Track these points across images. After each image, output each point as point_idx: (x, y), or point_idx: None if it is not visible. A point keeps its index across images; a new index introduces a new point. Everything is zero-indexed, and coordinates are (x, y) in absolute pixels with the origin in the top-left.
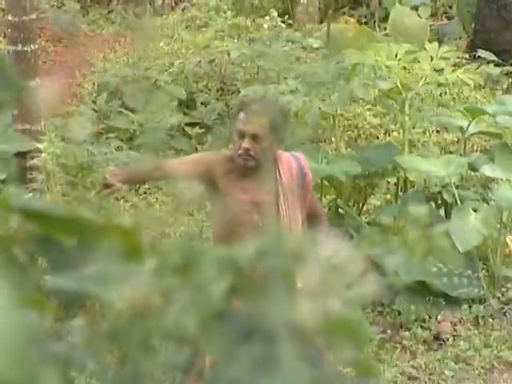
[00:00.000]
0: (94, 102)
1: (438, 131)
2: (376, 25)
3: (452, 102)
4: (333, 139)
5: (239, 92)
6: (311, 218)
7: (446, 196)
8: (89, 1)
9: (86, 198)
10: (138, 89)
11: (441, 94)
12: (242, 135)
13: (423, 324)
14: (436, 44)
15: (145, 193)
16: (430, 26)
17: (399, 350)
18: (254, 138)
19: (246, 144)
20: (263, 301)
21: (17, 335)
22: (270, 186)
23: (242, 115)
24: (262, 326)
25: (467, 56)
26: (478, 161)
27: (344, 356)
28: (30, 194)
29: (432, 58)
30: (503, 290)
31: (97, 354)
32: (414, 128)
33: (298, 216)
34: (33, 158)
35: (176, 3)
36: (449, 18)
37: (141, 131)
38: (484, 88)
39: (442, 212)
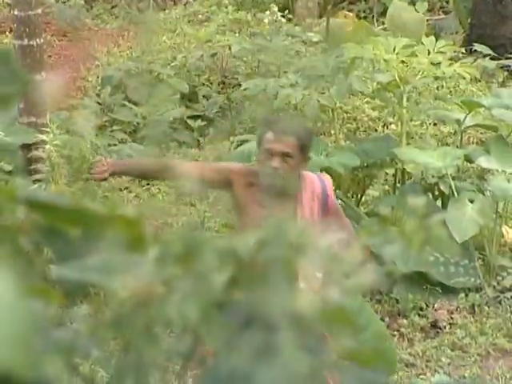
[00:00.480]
0: (98, 95)
1: (435, 124)
2: (374, 19)
3: (449, 95)
4: (332, 132)
5: (240, 85)
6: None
7: (442, 187)
8: None
9: (89, 189)
10: (141, 82)
11: (438, 88)
12: (271, 154)
13: (420, 312)
14: (433, 38)
15: (148, 184)
16: (427, 20)
17: (397, 337)
18: (283, 156)
19: (275, 163)
20: (263, 291)
21: (22, 324)
22: (289, 205)
23: (270, 134)
24: (262, 315)
25: (463, 50)
26: (474, 153)
27: (343, 345)
28: (36, 185)
29: (429, 52)
30: (499, 278)
31: (101, 341)
32: (411, 121)
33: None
34: (38, 150)
35: None
36: (445, 13)
37: (144, 124)
38: (480, 81)
39: (438, 203)
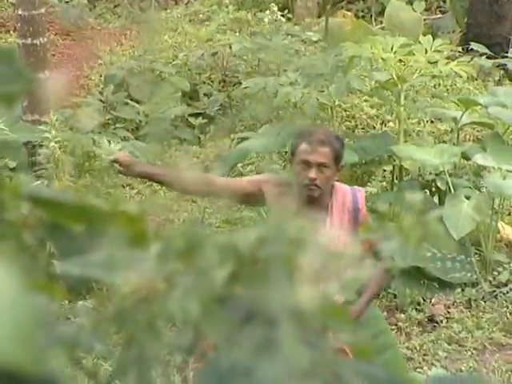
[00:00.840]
0: (101, 93)
1: (432, 121)
2: (372, 19)
3: (446, 94)
4: (331, 129)
5: (240, 84)
6: (373, 255)
7: (439, 184)
8: None
9: (92, 185)
10: (143, 80)
11: (435, 86)
12: (307, 165)
13: (418, 307)
14: (430, 37)
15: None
16: (425, 19)
17: (395, 331)
18: (320, 167)
19: (312, 174)
20: (264, 286)
21: (26, 319)
22: (320, 216)
23: (305, 145)
24: (262, 310)
25: (460, 49)
26: (471, 150)
27: (341, 339)
28: (39, 182)
29: (426, 51)
30: (495, 273)
31: (104, 336)
32: (409, 118)
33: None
34: (42, 147)
35: None
36: (442, 13)
37: (146, 121)
38: (476, 80)
39: (435, 199)
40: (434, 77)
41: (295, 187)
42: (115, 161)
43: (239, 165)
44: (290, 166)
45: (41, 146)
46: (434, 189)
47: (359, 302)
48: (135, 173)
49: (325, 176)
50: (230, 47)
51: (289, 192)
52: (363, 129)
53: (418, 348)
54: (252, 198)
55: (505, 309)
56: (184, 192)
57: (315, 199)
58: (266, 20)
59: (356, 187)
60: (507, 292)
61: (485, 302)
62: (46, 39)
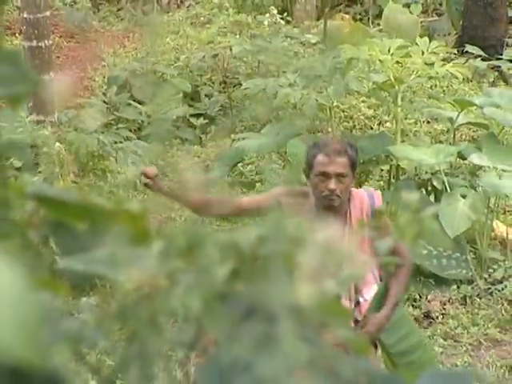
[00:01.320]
0: (104, 94)
1: (428, 122)
2: (370, 21)
3: (442, 94)
4: (329, 130)
5: (241, 85)
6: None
7: (435, 183)
8: None
9: (96, 185)
10: (145, 82)
11: (431, 87)
12: (326, 176)
13: (414, 303)
14: (427, 39)
15: None
16: (421, 22)
17: None
18: (338, 177)
19: (332, 185)
20: (264, 283)
21: (31, 315)
22: (339, 224)
23: (321, 157)
24: (262, 306)
25: (456, 51)
26: (467, 150)
27: (338, 334)
28: (44, 181)
29: (423, 53)
30: (490, 271)
31: (107, 331)
32: (405, 119)
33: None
34: (46, 146)
35: (181, 1)
36: (438, 15)
37: (148, 122)
38: (472, 81)
39: (432, 198)
40: (430, 78)
41: (312, 197)
42: (143, 173)
43: (239, 164)
44: (307, 178)
45: (46, 145)
46: (430, 188)
47: (384, 309)
48: (161, 189)
49: (344, 185)
50: (231, 49)
51: (307, 203)
52: (361, 129)
53: None
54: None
55: (500, 305)
56: (209, 215)
57: (334, 208)
58: (266, 23)
59: (371, 189)
60: (502, 289)
61: (480, 298)
62: (50, 42)
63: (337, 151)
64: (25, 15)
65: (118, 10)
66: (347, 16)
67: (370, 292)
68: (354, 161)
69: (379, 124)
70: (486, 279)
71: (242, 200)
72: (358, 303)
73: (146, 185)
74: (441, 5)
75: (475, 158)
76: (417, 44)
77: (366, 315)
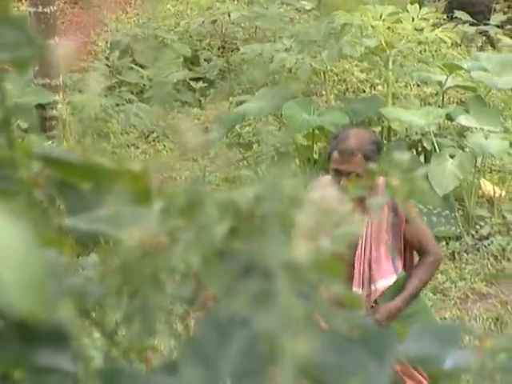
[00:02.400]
0: (107, 58)
1: (418, 85)
2: None
3: (431, 59)
4: (323, 93)
5: (239, 50)
6: (419, 253)
7: (425, 143)
8: None
9: (99, 145)
10: (147, 46)
11: (421, 52)
12: (338, 173)
13: None
14: (417, 6)
15: (153, 140)
16: None
17: None
18: (350, 175)
19: (343, 183)
20: (261, 241)
21: (37, 271)
22: (363, 211)
23: (336, 154)
24: (259, 263)
25: (445, 17)
26: (455, 112)
27: (333, 290)
28: (50, 142)
29: (413, 19)
30: (477, 227)
31: (110, 287)
32: (396, 82)
33: (381, 245)
34: (52, 109)
35: None
36: None
37: (150, 85)
38: (460, 46)
39: (422, 158)
40: (420, 43)
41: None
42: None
43: (237, 126)
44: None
45: (51, 108)
46: (420, 148)
47: (397, 300)
48: None
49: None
50: (229, 15)
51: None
52: (354, 92)
53: None
54: None
55: (486, 260)
56: None
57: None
58: None
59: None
60: (488, 245)
61: (467, 254)
62: (55, 7)
63: (350, 150)
64: None
65: None
66: None
67: (385, 282)
68: (371, 158)
69: (371, 87)
70: (473, 235)
71: None
72: (369, 292)
73: None
74: None
75: (463, 120)
76: (407, 10)
77: (377, 303)
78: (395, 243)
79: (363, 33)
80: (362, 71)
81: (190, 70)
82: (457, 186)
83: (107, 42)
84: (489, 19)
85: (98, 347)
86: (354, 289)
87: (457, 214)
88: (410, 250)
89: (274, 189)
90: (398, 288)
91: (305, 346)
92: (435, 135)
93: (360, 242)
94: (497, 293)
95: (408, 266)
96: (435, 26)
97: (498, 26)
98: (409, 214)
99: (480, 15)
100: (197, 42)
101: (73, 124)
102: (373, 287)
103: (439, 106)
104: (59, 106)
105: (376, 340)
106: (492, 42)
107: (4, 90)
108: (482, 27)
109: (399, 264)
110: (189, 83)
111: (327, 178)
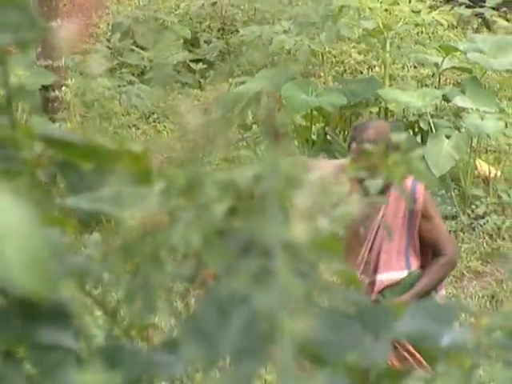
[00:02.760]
0: (108, 40)
1: (415, 66)
2: None
3: (428, 41)
4: (321, 74)
5: (238, 32)
6: (435, 253)
7: (422, 124)
8: None
9: (101, 126)
10: (148, 29)
11: (418, 33)
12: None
13: None
14: None
15: (154, 121)
16: None
17: None
18: None
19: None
20: (260, 220)
21: (40, 250)
22: (374, 207)
23: (354, 145)
24: (259, 242)
25: None
26: (451, 93)
27: (331, 268)
28: (53, 123)
29: (410, 1)
30: (472, 207)
31: (112, 266)
32: (394, 64)
33: (394, 237)
34: (54, 90)
35: None
36: None
37: (150, 66)
38: (456, 28)
39: (418, 139)
40: (417, 25)
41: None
42: None
43: (237, 107)
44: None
45: (53, 89)
46: (416, 129)
47: (403, 297)
48: None
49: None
50: None
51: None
52: (351, 73)
53: None
54: None
55: (481, 239)
56: None
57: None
58: None
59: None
60: (484, 224)
61: (463, 233)
62: None
63: (368, 141)
64: None
65: None
66: None
67: (392, 275)
68: (390, 148)
69: (369, 69)
70: (469, 215)
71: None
72: (373, 281)
73: None
74: None
75: (459, 101)
76: None
77: (384, 297)
78: (410, 238)
79: (361, 15)
80: (359, 53)
81: (190, 51)
82: (453, 166)
83: (108, 25)
84: (484, 1)
85: (100, 325)
86: (360, 277)
87: (453, 193)
88: (429, 251)
89: (273, 168)
90: (409, 285)
91: (303, 324)
92: (432, 116)
93: (371, 230)
94: (492, 271)
95: (426, 267)
96: (432, 8)
97: (493, 9)
98: (428, 211)
99: None
100: (197, 24)
101: (76, 105)
102: (378, 277)
103: (436, 88)
104: (62, 87)
105: (372, 317)
106: (488, 24)
107: (7, 72)
108: (478, 9)
109: (413, 261)
110: (189, 65)
111: (330, 162)
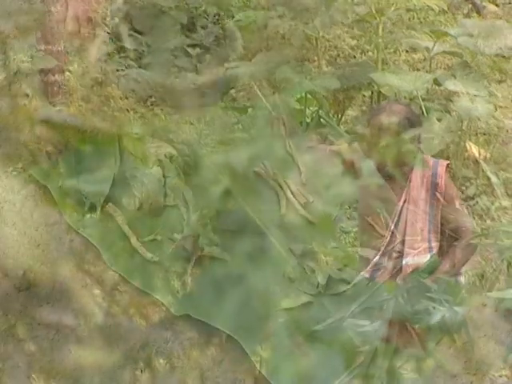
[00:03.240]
0: (107, 25)
1: (407, 51)
2: None
3: (419, 26)
4: (315, 58)
5: (233, 17)
6: (456, 235)
7: (413, 108)
8: None
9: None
10: (145, 14)
11: (409, 19)
12: (372, 147)
13: None
14: None
15: (151, 104)
16: None
17: None
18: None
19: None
20: (255, 200)
21: (40, 230)
22: (398, 184)
23: (371, 127)
24: (253, 222)
25: None
26: (442, 77)
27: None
28: (53, 107)
29: None
30: (463, 188)
31: (111, 245)
32: (386, 48)
33: (418, 221)
34: (54, 74)
35: None
36: None
37: (148, 51)
38: (447, 13)
39: None
40: (408, 10)
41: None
42: None
43: (232, 91)
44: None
45: (53, 73)
46: None
47: (428, 280)
48: None
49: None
50: None
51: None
52: (345, 58)
53: None
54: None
55: (472, 220)
56: None
57: (388, 173)
58: None
59: (440, 160)
60: (474, 205)
61: None
62: None
63: (382, 124)
64: None
65: None
66: None
67: (418, 259)
68: (402, 132)
69: (362, 53)
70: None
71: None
72: (400, 268)
73: None
74: None
75: (450, 85)
76: None
77: (406, 282)
78: (433, 222)
79: (354, 0)
80: (352, 38)
81: (186, 36)
82: (444, 148)
83: (107, 10)
84: None
85: (99, 303)
86: (377, 258)
87: None
88: (446, 234)
89: (267, 150)
90: (432, 268)
91: (297, 302)
92: (423, 99)
93: (394, 215)
94: (481, 251)
95: (445, 252)
96: None
97: None
98: (449, 194)
99: None
100: (193, 10)
101: (75, 89)
102: (404, 262)
103: (427, 72)
104: (62, 72)
105: (368, 294)
106: (478, 10)
107: (8, 56)
108: None
109: (434, 244)
110: (186, 49)
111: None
